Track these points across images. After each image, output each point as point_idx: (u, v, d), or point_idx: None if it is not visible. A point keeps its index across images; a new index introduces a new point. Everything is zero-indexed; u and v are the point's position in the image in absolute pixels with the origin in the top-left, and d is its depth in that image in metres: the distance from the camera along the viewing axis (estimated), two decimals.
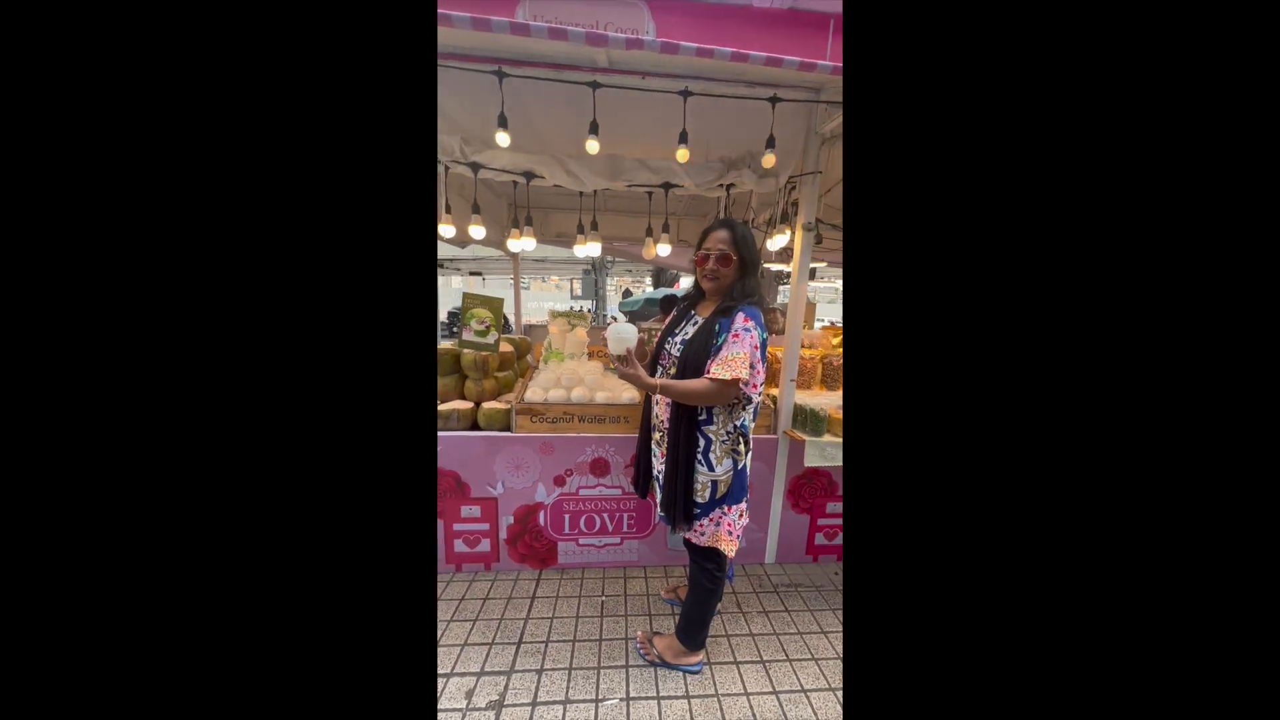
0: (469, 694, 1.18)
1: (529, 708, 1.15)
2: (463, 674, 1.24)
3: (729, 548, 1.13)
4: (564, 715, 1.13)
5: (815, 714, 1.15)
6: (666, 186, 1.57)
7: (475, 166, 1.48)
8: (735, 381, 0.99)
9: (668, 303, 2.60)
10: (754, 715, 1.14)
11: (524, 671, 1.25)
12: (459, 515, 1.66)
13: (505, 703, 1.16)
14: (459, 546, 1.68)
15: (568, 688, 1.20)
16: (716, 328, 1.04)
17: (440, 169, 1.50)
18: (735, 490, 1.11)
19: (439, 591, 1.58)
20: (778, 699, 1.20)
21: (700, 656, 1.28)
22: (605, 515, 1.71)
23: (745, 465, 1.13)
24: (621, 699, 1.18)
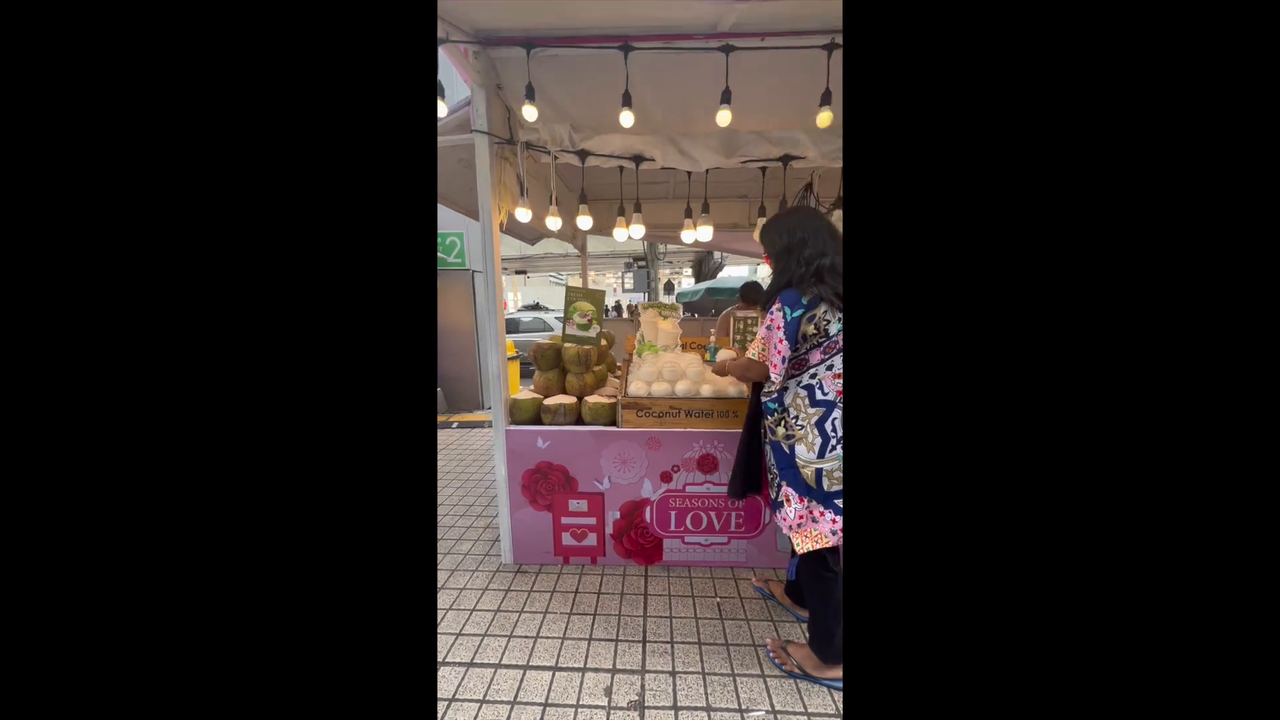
0: (607, 691, 1.16)
1: (671, 711, 1.11)
2: (596, 669, 1.23)
3: (803, 542, 1.08)
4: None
5: None
6: (785, 160, 1.44)
7: (584, 155, 1.43)
8: (750, 362, 1.10)
9: (749, 290, 2.46)
10: None
11: (656, 672, 1.22)
12: (567, 509, 1.66)
13: (647, 704, 1.13)
14: (567, 540, 1.69)
15: (706, 693, 1.15)
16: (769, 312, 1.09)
17: (549, 159, 1.47)
18: (799, 477, 1.08)
19: (553, 584, 1.60)
20: None
21: (841, 670, 1.19)
22: (712, 514, 1.65)
23: (803, 450, 1.06)
24: (768, 711, 1.11)
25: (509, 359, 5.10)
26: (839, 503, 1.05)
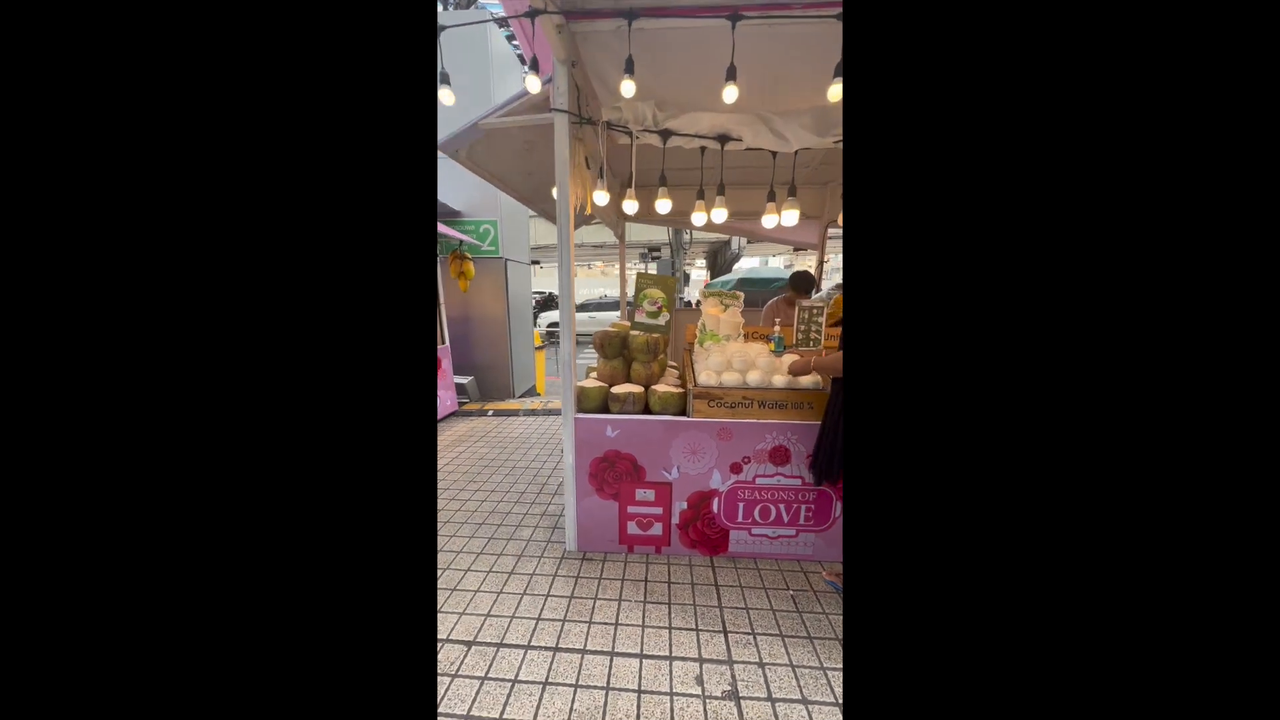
0: (699, 680, 1.16)
1: (767, 703, 1.10)
2: (682, 658, 1.22)
3: None
4: (809, 715, 1.07)
5: None
6: None
7: (666, 134, 1.38)
8: None
9: (802, 281, 2.39)
10: None
11: (745, 663, 1.21)
12: (633, 498, 1.65)
13: (741, 695, 1.12)
14: (632, 529, 1.68)
15: (800, 686, 1.14)
16: None
17: (626, 140, 1.42)
18: None
19: (621, 571, 1.60)
20: None
21: None
22: (781, 506, 1.62)
23: None
24: None
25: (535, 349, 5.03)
26: None
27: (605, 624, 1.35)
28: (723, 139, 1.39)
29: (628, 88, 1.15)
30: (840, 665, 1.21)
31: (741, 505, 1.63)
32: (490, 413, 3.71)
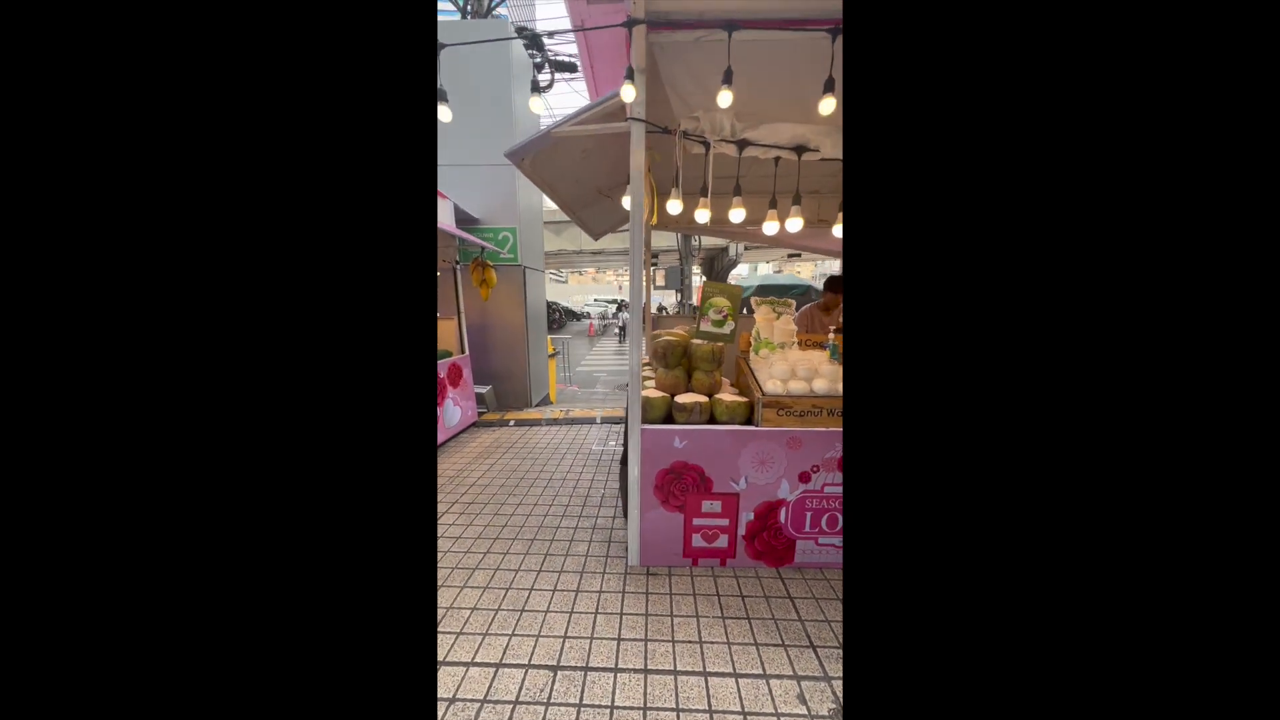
0: (800, 698, 1.13)
1: None
2: (778, 676, 1.19)
3: None
4: None
5: None
6: None
7: (742, 144, 1.38)
8: None
9: (836, 283, 2.44)
10: None
11: (839, 679, 1.19)
12: (699, 510, 1.62)
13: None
14: (696, 542, 1.65)
15: None
16: None
17: (702, 148, 1.42)
18: None
19: (690, 586, 1.56)
20: None
21: None
22: None
23: None
24: None
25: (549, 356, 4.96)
26: None
27: (689, 642, 1.31)
28: (799, 149, 1.41)
29: (725, 98, 1.15)
30: None
31: (809, 514, 1.61)
32: (512, 423, 3.63)
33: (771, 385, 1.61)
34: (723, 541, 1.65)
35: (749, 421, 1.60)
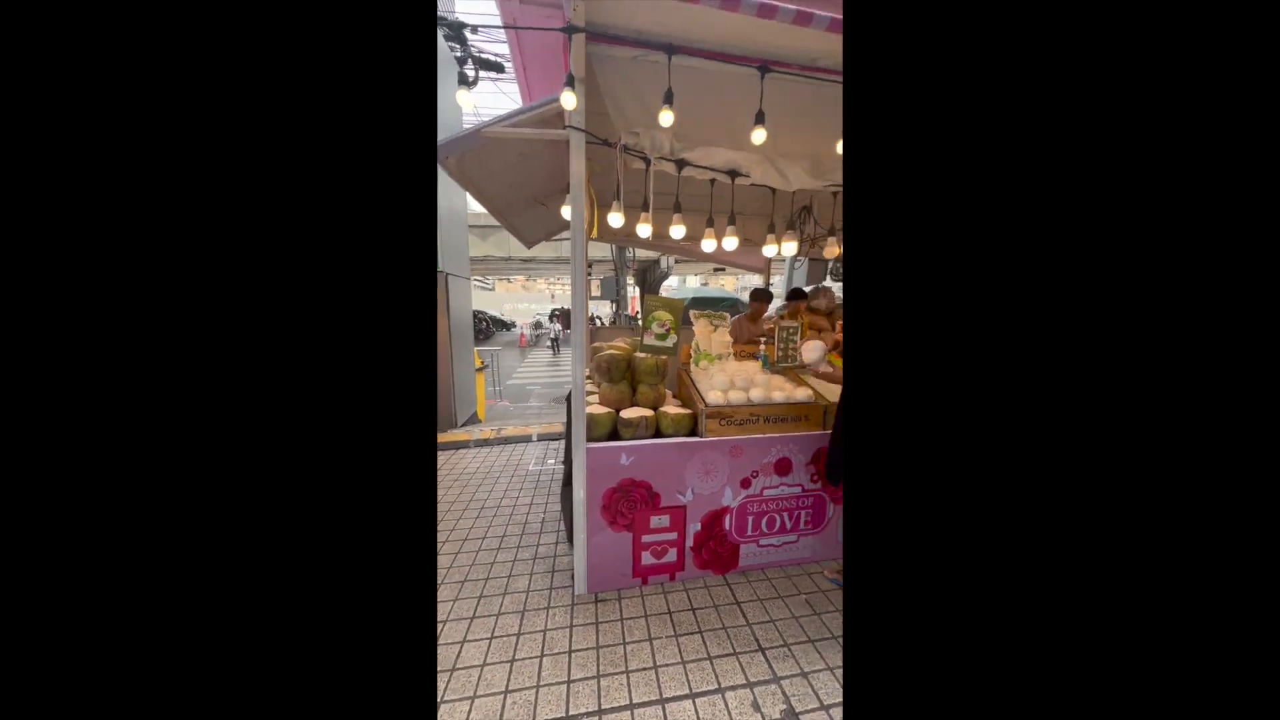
0: (755, 706, 1.15)
1: (821, 711, 1.14)
2: (732, 687, 1.20)
3: None
4: None
5: None
6: None
7: (681, 164, 1.43)
8: None
9: (763, 294, 2.67)
10: None
11: (790, 676, 1.24)
12: (648, 526, 1.59)
13: (798, 711, 1.14)
14: (646, 559, 1.61)
15: (841, 683, 1.21)
16: None
17: (643, 164, 1.43)
18: None
19: (641, 608, 1.51)
20: None
21: None
22: (785, 514, 1.72)
23: None
24: None
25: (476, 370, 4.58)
26: None
27: (643, 669, 1.26)
28: (733, 174, 1.50)
29: (666, 118, 1.16)
30: None
31: (751, 518, 1.69)
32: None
33: (713, 396, 1.66)
34: (671, 555, 1.64)
35: (693, 433, 1.62)
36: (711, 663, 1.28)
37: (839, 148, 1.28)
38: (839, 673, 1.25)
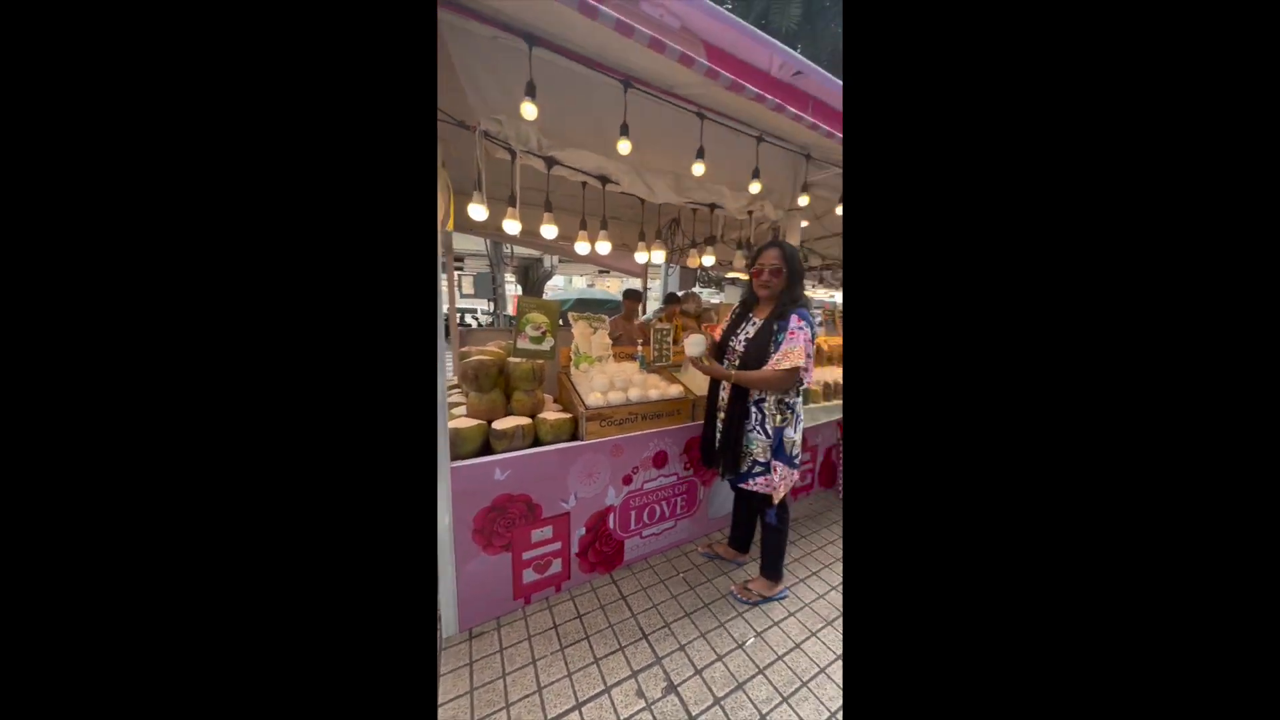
0: (639, 693, 1.20)
1: (696, 677, 1.26)
2: (618, 683, 1.23)
3: (779, 493, 1.46)
4: (728, 668, 1.30)
5: None
6: (712, 206, 1.82)
7: (550, 161, 1.38)
8: (795, 370, 1.27)
9: (635, 294, 2.86)
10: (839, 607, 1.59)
11: (669, 654, 1.33)
12: (529, 542, 1.50)
13: (676, 684, 1.23)
14: (528, 576, 1.52)
15: (712, 647, 1.37)
16: (775, 328, 1.32)
17: (508, 155, 1.32)
18: (786, 450, 1.43)
19: (524, 630, 1.42)
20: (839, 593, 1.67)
21: (784, 584, 1.65)
22: (664, 503, 1.86)
23: (792, 431, 1.46)
24: (755, 635, 1.43)
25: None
26: (796, 462, 1.46)
27: (527, 696, 1.18)
28: (604, 179, 1.52)
29: (529, 110, 1.09)
30: (732, 614, 1.51)
31: (634, 513, 1.76)
32: None
33: (594, 398, 1.67)
34: (556, 566, 1.58)
35: (574, 437, 1.60)
36: (598, 665, 1.29)
37: (695, 169, 1.43)
38: (710, 637, 1.41)
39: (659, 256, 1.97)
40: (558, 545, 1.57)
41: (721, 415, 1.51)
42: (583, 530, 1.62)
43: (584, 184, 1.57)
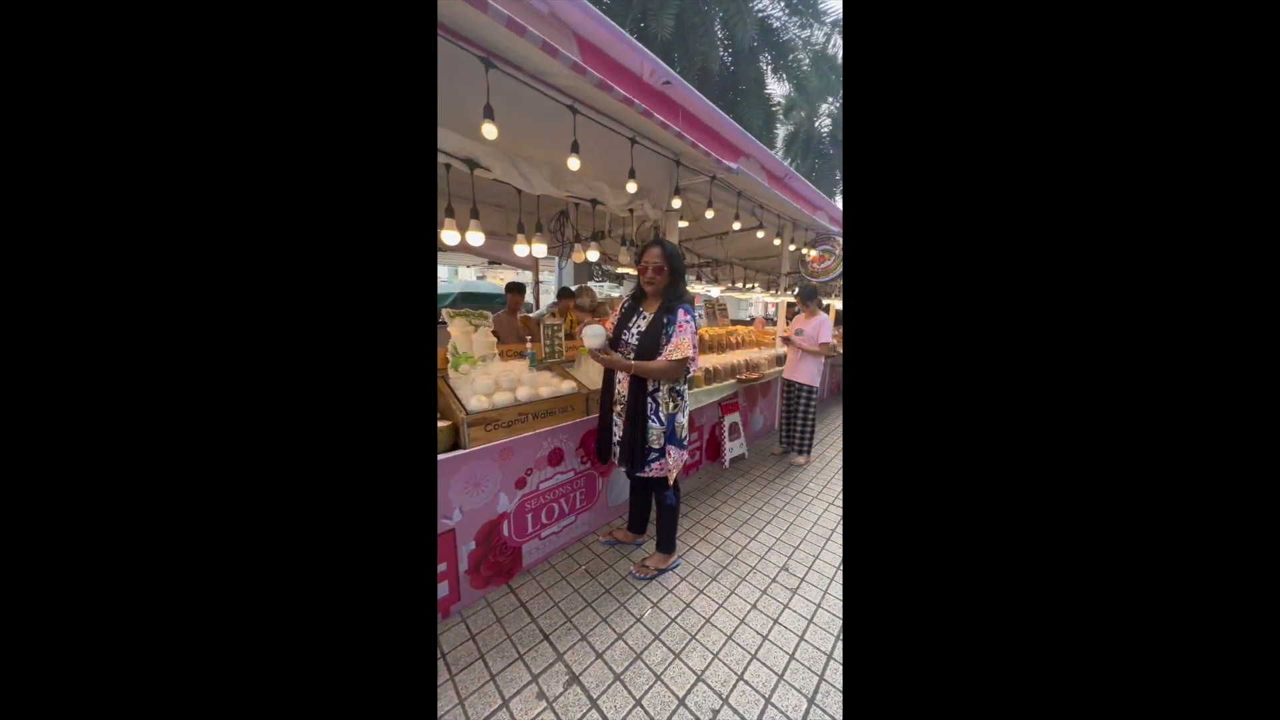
0: (540, 695, 1.18)
1: (599, 662, 1.30)
2: (517, 694, 1.19)
3: (673, 474, 1.62)
4: (629, 644, 1.37)
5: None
6: (593, 202, 1.83)
7: None
8: (685, 360, 1.43)
9: (518, 287, 2.76)
10: (727, 554, 1.81)
11: (571, 649, 1.35)
12: None
13: (579, 675, 1.26)
14: None
15: (613, 629, 1.43)
16: (665, 321, 1.44)
17: None
18: (676, 433, 1.58)
19: None
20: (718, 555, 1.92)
21: (676, 554, 1.81)
22: (562, 501, 1.84)
23: (682, 417, 1.62)
24: (652, 606, 1.54)
25: None
26: (685, 444, 1.59)
27: None
28: (471, 163, 1.38)
29: None
30: (630, 592, 1.59)
31: (530, 515, 1.70)
32: None
33: (475, 402, 1.55)
34: (444, 589, 1.44)
35: (455, 446, 1.46)
36: (494, 682, 1.22)
37: (571, 163, 1.42)
38: (611, 619, 1.47)
39: (540, 250, 1.91)
40: (443, 567, 1.42)
41: (618, 409, 1.56)
42: (472, 545, 1.50)
43: (448, 166, 1.41)
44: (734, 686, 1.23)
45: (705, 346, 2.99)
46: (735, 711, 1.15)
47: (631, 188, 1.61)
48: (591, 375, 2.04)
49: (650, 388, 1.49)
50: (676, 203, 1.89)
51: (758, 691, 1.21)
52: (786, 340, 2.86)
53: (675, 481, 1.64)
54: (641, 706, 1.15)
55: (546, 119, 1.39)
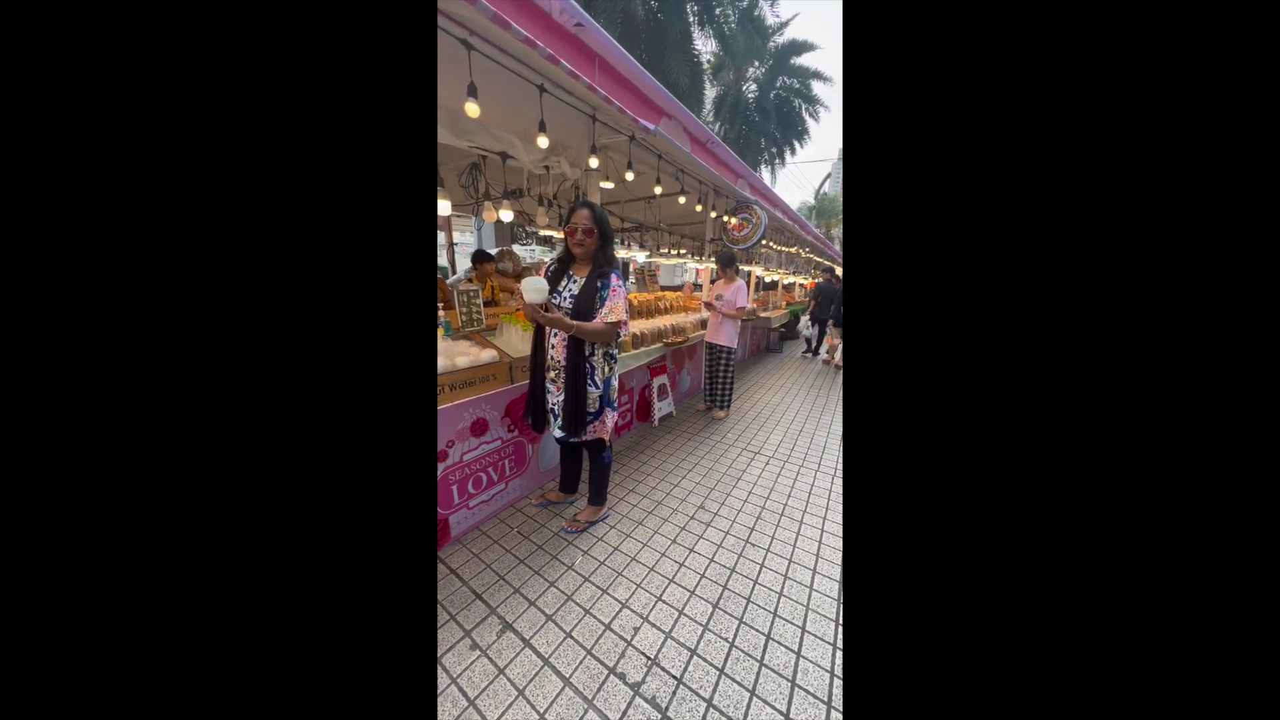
0: (474, 646, 1.25)
1: (532, 609, 1.40)
2: (468, 669, 1.24)
3: (608, 435, 1.73)
4: (555, 590, 1.48)
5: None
6: (504, 156, 1.68)
7: None
8: (619, 323, 1.48)
9: (484, 257, 2.54)
10: (654, 501, 1.99)
11: (504, 603, 1.42)
12: None
13: (512, 623, 1.34)
14: None
15: (549, 581, 1.53)
16: (599, 284, 1.47)
17: None
18: (610, 396, 1.67)
19: None
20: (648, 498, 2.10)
21: (607, 506, 1.94)
22: (490, 469, 1.84)
23: (614, 379, 1.70)
24: (583, 554, 1.66)
25: None
26: (616, 405, 1.67)
27: None
28: None
29: None
30: (562, 544, 1.70)
31: (455, 487, 1.68)
32: None
33: None
34: None
35: None
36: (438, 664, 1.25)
37: (469, 109, 1.28)
38: (543, 571, 1.56)
39: (445, 207, 1.74)
40: None
41: (551, 374, 1.56)
42: None
43: None
44: (653, 607, 1.42)
45: (635, 312, 3.05)
46: (654, 626, 1.34)
47: (543, 142, 1.51)
48: (514, 343, 1.99)
49: (587, 351, 1.51)
50: (594, 162, 1.83)
51: (673, 607, 1.42)
52: (709, 305, 3.04)
53: (610, 441, 1.73)
54: (572, 638, 1.29)
55: (440, 56, 1.22)
